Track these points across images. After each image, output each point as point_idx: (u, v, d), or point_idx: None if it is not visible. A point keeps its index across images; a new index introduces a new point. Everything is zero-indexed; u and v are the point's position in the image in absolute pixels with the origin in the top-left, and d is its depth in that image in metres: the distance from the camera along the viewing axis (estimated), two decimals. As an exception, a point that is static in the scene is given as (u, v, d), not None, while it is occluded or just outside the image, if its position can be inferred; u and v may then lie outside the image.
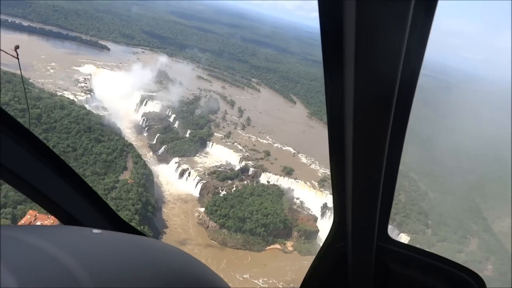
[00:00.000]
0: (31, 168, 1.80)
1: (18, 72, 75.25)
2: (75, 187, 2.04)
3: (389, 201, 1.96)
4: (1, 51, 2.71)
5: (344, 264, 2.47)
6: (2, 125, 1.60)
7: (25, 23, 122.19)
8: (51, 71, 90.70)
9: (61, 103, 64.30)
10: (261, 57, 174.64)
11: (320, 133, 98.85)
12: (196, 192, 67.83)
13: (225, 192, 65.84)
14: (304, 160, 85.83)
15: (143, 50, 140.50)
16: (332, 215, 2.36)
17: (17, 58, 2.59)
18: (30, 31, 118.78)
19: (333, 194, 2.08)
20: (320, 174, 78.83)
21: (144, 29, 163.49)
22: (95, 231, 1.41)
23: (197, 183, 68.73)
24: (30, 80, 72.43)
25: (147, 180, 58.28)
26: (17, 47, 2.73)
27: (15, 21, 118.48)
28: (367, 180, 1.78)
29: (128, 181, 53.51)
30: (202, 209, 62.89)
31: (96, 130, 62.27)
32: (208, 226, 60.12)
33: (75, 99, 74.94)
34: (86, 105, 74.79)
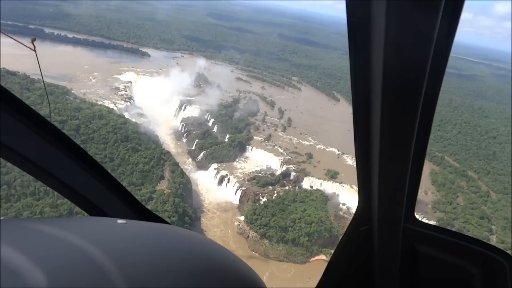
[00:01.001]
0: (56, 161, 1.84)
1: (61, 83, 77.34)
2: (99, 178, 2.06)
3: (417, 182, 1.94)
4: (21, 44, 2.82)
5: (370, 246, 2.44)
6: (27, 121, 1.64)
7: (70, 35, 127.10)
8: (93, 80, 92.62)
9: (100, 113, 64.48)
10: (301, 55, 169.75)
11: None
12: (235, 200, 65.15)
13: (266, 199, 62.53)
14: (349, 161, 79.89)
15: (182, 55, 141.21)
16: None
17: (34, 50, 2.51)
18: (75, 42, 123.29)
19: (358, 176, 2.08)
20: (367, 177, 73.21)
21: (183, 33, 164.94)
22: (120, 221, 1.42)
23: (237, 189, 66.03)
24: (72, 91, 73.76)
25: (184, 189, 56.50)
26: (33, 39, 2.71)
27: (60, 34, 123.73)
28: (395, 161, 1.78)
29: (165, 192, 51.98)
30: (242, 218, 60.07)
31: (133, 139, 61.60)
32: (248, 236, 57.30)
33: (115, 108, 75.19)
34: (126, 113, 74.90)
